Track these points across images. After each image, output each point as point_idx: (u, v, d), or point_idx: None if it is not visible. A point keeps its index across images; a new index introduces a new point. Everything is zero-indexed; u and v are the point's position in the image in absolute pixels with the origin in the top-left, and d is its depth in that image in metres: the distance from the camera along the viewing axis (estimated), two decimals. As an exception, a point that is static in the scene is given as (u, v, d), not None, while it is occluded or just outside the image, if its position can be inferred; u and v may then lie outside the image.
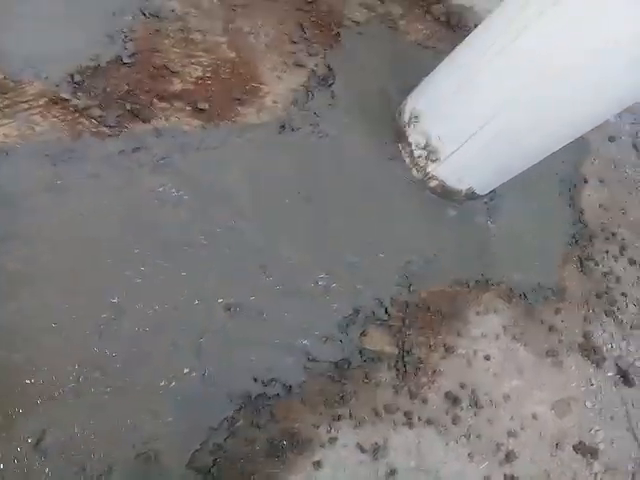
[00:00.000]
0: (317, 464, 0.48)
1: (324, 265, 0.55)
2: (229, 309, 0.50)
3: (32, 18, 0.52)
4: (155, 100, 0.54)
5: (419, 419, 0.53)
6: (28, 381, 0.42)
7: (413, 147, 0.63)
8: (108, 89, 0.52)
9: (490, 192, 0.68)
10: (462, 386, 0.57)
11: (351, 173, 0.60)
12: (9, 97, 0.48)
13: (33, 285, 0.44)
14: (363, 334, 0.54)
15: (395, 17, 0.70)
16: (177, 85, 0.55)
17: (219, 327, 0.49)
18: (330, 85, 0.64)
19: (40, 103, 0.49)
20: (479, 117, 0.57)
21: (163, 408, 0.45)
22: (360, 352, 0.53)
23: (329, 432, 0.50)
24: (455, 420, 0.55)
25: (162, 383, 0.45)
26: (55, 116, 0.49)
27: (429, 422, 0.54)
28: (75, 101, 0.50)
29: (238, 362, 0.49)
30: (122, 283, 0.47)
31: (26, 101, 0.48)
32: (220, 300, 0.50)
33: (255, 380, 0.49)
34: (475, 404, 0.57)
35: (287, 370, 0.50)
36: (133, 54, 0.54)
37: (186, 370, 0.47)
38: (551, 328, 0.67)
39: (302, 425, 0.49)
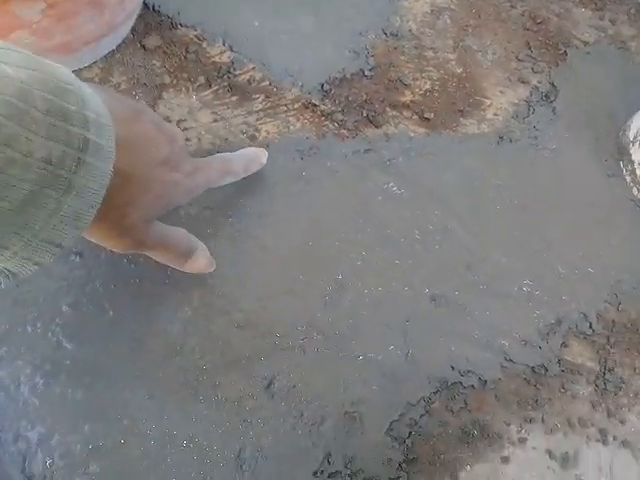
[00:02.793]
0: (505, 459, 0.50)
1: (531, 272, 0.57)
2: (434, 299, 0.55)
3: (290, 35, 0.62)
4: (387, 109, 0.61)
5: (614, 438, 0.53)
6: (267, 333, 0.51)
7: (635, 165, 0.62)
8: (350, 97, 0.60)
9: None
10: (668, 415, 0.54)
11: (568, 186, 0.61)
12: (272, 100, 0.58)
13: (280, 256, 0.53)
14: (564, 345, 0.55)
15: (626, 38, 0.69)
16: (407, 96, 0.62)
17: (424, 314, 0.54)
18: (552, 101, 0.65)
19: (295, 107, 0.58)
20: None
21: (371, 377, 0.51)
22: (559, 362, 0.54)
23: (519, 432, 0.52)
24: (656, 448, 0.53)
25: (371, 355, 0.51)
26: (306, 118, 0.58)
27: (625, 444, 0.52)
28: (322, 107, 0.59)
29: (439, 349, 0.53)
30: (346, 263, 0.54)
31: (285, 104, 0.58)
32: (427, 290, 0.55)
33: (453, 368, 0.53)
34: (681, 437, 0.54)
35: (484, 365, 0.53)
36: (373, 68, 0.62)
37: (392, 347, 0.52)
38: None
39: (493, 419, 0.52)
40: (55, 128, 0.23)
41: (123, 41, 0.57)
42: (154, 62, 0.57)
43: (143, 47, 0.58)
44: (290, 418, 0.49)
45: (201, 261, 0.45)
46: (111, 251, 0.39)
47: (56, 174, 0.24)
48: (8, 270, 0.26)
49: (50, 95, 0.23)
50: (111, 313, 0.50)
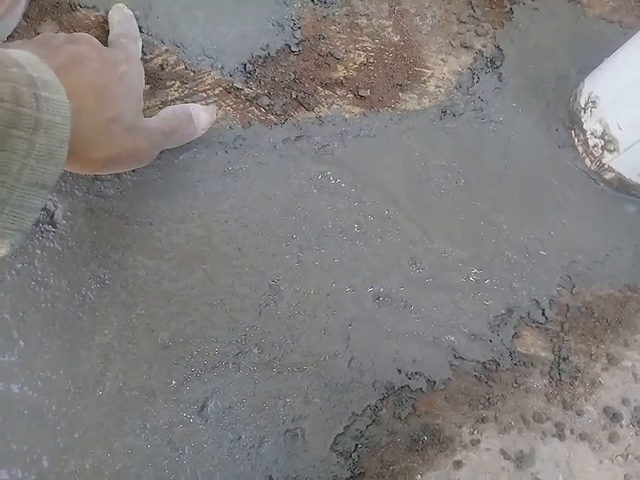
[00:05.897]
0: (457, 464, 0.48)
1: (478, 260, 0.53)
2: (378, 298, 0.51)
3: (205, 10, 0.55)
4: (319, 88, 0.55)
5: (571, 432, 0.50)
6: (196, 351, 0.46)
7: (588, 135, 0.57)
8: (276, 78, 0.54)
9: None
10: (624, 402, 0.52)
11: (516, 162, 0.57)
12: (189, 87, 0.52)
13: (205, 264, 0.48)
14: (515, 336, 0.52)
15: (577, -12, 0.63)
16: (340, 72, 0.56)
17: (367, 316, 0.50)
18: (498, 67, 0.60)
19: (216, 92, 0.53)
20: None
21: (312, 389, 0.47)
22: (511, 354, 0.51)
23: (472, 433, 0.49)
24: (612, 438, 0.51)
25: (312, 365, 0.48)
26: (229, 105, 0.53)
27: (582, 436, 0.50)
28: (246, 90, 0.53)
29: (384, 352, 0.50)
30: (281, 266, 0.50)
31: (204, 90, 0.53)
32: (370, 289, 0.51)
33: (399, 371, 0.50)
34: (638, 423, 0.52)
35: (432, 365, 0.50)
36: (300, 42, 0.56)
37: (334, 354, 0.49)
38: None
39: (444, 423, 0.49)
40: None
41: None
42: (50, 50, 0.50)
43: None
44: (226, 442, 0.46)
45: (203, 115, 0.47)
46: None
47: (18, 112, 0.24)
48: (8, 229, 0.26)
49: None
50: (21, 344, 0.45)
